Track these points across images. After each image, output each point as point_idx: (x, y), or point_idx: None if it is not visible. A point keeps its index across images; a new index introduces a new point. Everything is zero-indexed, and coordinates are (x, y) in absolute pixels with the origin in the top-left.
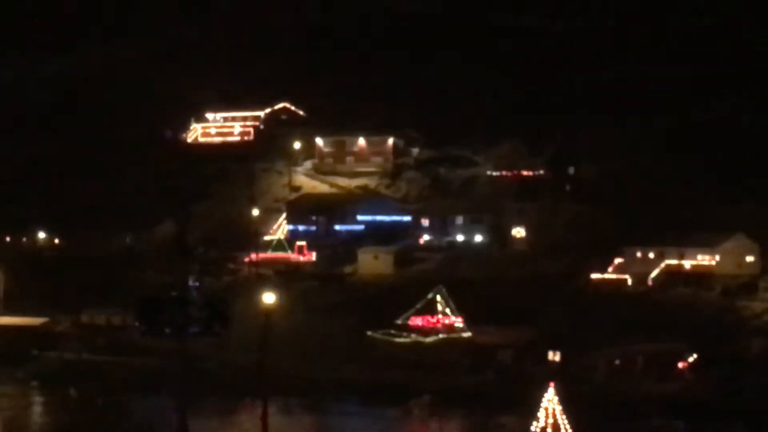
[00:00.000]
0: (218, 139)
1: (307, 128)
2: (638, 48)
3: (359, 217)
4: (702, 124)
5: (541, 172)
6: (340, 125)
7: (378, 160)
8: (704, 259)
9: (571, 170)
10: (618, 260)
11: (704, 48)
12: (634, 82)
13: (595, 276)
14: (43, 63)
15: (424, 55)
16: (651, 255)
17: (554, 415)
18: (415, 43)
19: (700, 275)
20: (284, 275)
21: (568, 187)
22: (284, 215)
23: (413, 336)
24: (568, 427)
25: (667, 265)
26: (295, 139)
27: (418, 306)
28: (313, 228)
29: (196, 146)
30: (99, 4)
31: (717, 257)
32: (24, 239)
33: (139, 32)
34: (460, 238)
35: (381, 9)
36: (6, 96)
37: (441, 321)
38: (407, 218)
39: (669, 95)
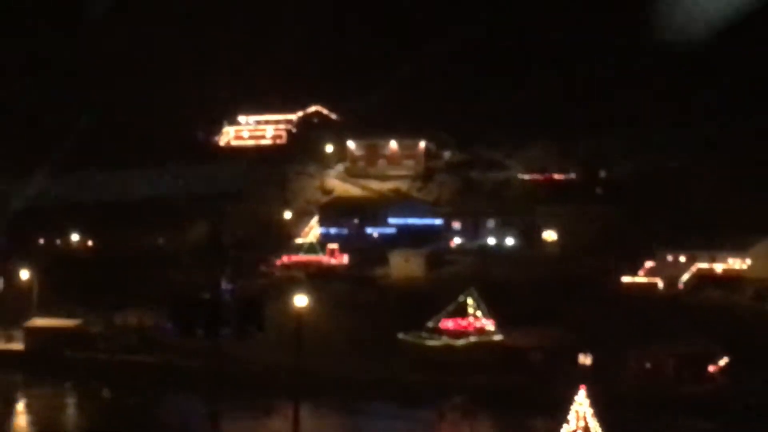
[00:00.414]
0: (251, 142)
1: (339, 131)
2: (668, 49)
3: (391, 220)
4: (734, 126)
5: (573, 174)
6: (372, 128)
7: (410, 163)
8: (735, 263)
9: (603, 173)
10: (649, 263)
11: (733, 50)
12: (663, 84)
13: (625, 279)
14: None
15: (455, 57)
16: (682, 258)
17: (585, 418)
18: (447, 46)
19: (732, 279)
20: (316, 278)
21: (599, 190)
22: (316, 218)
23: (444, 338)
24: (599, 429)
25: (699, 269)
26: (328, 142)
27: (450, 308)
28: (345, 231)
29: (229, 149)
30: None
31: (748, 261)
32: (57, 241)
33: (174, 34)
34: (491, 241)
35: (414, 11)
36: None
37: (472, 324)
38: (438, 221)
39: (700, 97)
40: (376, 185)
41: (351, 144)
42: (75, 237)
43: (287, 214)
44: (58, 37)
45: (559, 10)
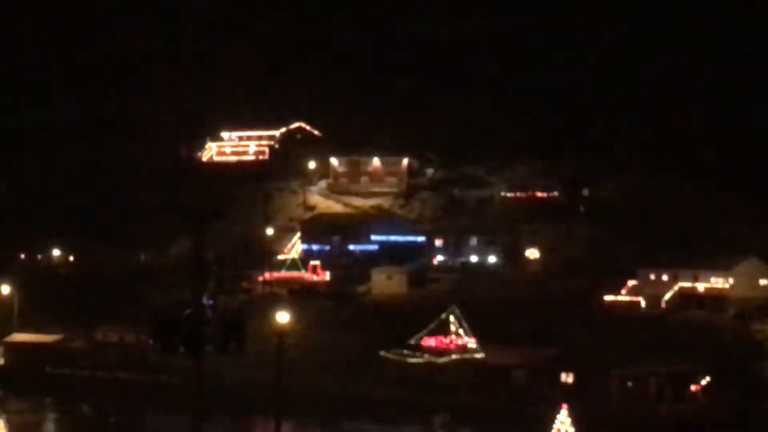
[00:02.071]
0: (233, 159)
1: (322, 148)
2: (651, 68)
3: (373, 237)
4: (716, 146)
5: (556, 193)
6: (354, 145)
7: (392, 180)
8: (718, 282)
9: (585, 191)
10: (631, 282)
11: (720, 68)
12: (647, 104)
13: (608, 298)
14: (59, 79)
15: (438, 76)
16: (665, 277)
17: None
18: (430, 65)
19: (714, 298)
20: (298, 294)
21: (582, 208)
22: (298, 234)
23: (426, 356)
24: None
25: (681, 288)
26: (310, 158)
27: (432, 326)
28: (327, 247)
29: (211, 165)
30: (114, 21)
31: (731, 280)
32: (39, 256)
33: (155, 51)
34: (473, 258)
35: (397, 31)
36: (22, 112)
37: (454, 341)
38: (421, 238)
39: (684, 117)
40: (358, 202)
41: (334, 160)
42: (56, 252)
43: (269, 231)
44: (46, 51)
45: (545, 29)
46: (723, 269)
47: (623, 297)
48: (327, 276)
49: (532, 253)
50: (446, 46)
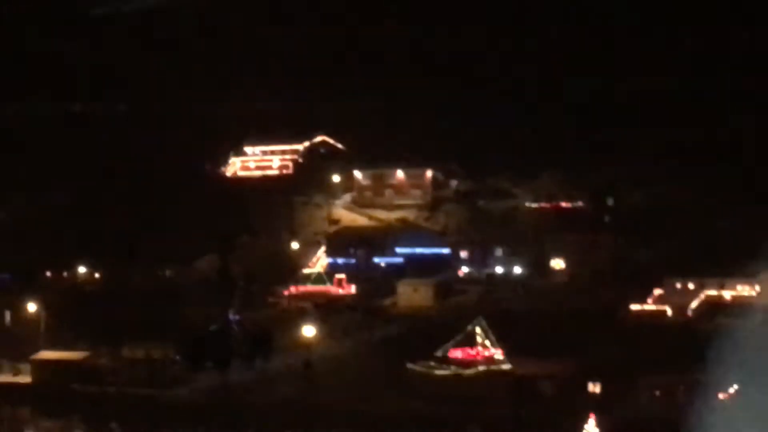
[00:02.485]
0: (257, 173)
1: (346, 161)
2: (680, 76)
3: (398, 250)
4: (742, 154)
5: (581, 203)
6: (378, 158)
7: (417, 192)
8: (744, 290)
9: (611, 201)
10: (658, 291)
11: (747, 73)
12: (672, 112)
13: (634, 307)
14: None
15: (462, 87)
16: (691, 286)
17: None
18: (455, 76)
19: (741, 305)
20: (324, 308)
21: (607, 218)
22: (323, 248)
23: (453, 368)
24: None
25: (707, 296)
26: (334, 172)
27: (458, 338)
28: (353, 261)
29: (236, 180)
30: (135, 34)
31: (757, 287)
32: (65, 274)
33: (179, 66)
34: (499, 270)
35: (420, 43)
36: (45, 128)
37: (481, 353)
38: (446, 250)
39: (711, 124)
40: (383, 215)
41: (358, 174)
42: (82, 269)
43: (294, 245)
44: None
45: (567, 39)
46: (749, 276)
47: (649, 306)
48: (353, 289)
49: (558, 264)
50: (470, 55)
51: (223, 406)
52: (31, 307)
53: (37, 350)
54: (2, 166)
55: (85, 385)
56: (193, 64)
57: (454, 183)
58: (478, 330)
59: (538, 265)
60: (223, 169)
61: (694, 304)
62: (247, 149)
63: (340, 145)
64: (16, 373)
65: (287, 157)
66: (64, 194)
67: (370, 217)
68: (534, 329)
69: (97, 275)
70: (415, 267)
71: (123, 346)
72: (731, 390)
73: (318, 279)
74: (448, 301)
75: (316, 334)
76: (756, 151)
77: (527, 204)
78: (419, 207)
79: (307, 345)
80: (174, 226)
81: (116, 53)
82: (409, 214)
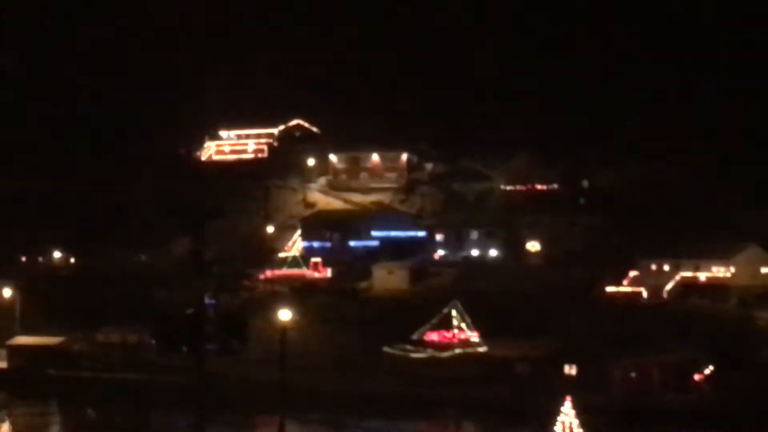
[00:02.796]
0: (232, 157)
1: (320, 145)
2: (651, 54)
3: (374, 233)
4: (714, 134)
5: (555, 185)
6: (353, 141)
7: (392, 175)
8: (719, 271)
9: (585, 183)
10: (633, 273)
11: (719, 52)
12: (644, 92)
13: (610, 289)
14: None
15: (435, 70)
16: (666, 267)
17: (571, 428)
18: (427, 58)
19: (716, 287)
20: (300, 292)
21: (582, 200)
22: (299, 232)
23: (429, 351)
24: None
25: (682, 277)
26: (309, 155)
27: (434, 321)
28: (328, 244)
29: (211, 164)
30: (112, 19)
31: (732, 269)
32: (40, 258)
33: (153, 49)
34: (474, 252)
35: (394, 26)
36: (19, 113)
37: (457, 335)
38: (422, 233)
39: (682, 103)
40: (358, 198)
41: (333, 157)
42: (57, 254)
43: (270, 229)
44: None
45: (542, 21)
46: (724, 258)
47: (625, 288)
48: (328, 273)
49: (533, 246)
50: (443, 39)
51: (198, 389)
52: (6, 292)
53: (12, 336)
54: None
55: (61, 370)
56: (168, 47)
57: (428, 166)
58: (453, 313)
59: (513, 248)
60: (198, 153)
61: (669, 285)
62: (222, 133)
63: (315, 129)
64: None
65: (262, 141)
66: (38, 178)
67: (346, 201)
68: (510, 312)
69: (72, 260)
70: (391, 250)
71: (98, 331)
72: (706, 371)
73: (294, 263)
74: (423, 283)
75: (292, 318)
76: (732, 132)
77: (502, 186)
78: (394, 190)
79: (283, 328)
80: (148, 210)
81: (91, 35)
82: (384, 198)
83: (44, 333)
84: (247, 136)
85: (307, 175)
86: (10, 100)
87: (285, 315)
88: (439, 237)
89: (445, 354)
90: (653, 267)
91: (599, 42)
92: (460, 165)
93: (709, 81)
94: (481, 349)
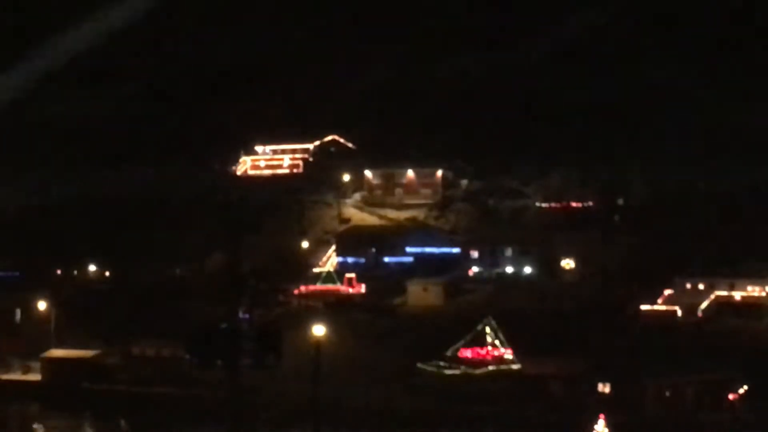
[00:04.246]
0: (268, 172)
1: (356, 160)
2: (693, 72)
3: (408, 249)
4: (752, 151)
5: (590, 202)
6: (389, 157)
7: (427, 191)
8: (755, 290)
9: (620, 200)
10: (668, 291)
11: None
12: (679, 109)
13: (644, 307)
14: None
15: (473, 86)
16: (701, 286)
17: None
18: (463, 75)
19: (751, 306)
20: (334, 307)
21: (617, 218)
22: (334, 247)
23: (463, 368)
24: None
25: (717, 296)
26: (345, 171)
27: (468, 338)
28: (363, 260)
29: (246, 179)
30: (149, 34)
31: (767, 288)
32: (75, 272)
33: (189, 64)
34: (509, 269)
35: (432, 41)
36: (58, 130)
37: (490, 352)
38: (456, 250)
39: (718, 121)
40: (393, 214)
41: (368, 173)
42: (92, 267)
43: (305, 244)
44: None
45: (576, 37)
46: (759, 277)
47: (659, 306)
48: (363, 288)
49: (568, 263)
50: (477, 56)
51: (232, 404)
52: (41, 305)
53: (47, 348)
54: (10, 162)
55: (95, 384)
56: (204, 63)
57: (464, 182)
58: (487, 330)
59: (548, 265)
60: (233, 168)
61: (704, 304)
62: (258, 148)
63: (350, 145)
64: (26, 371)
65: (298, 156)
66: (75, 191)
67: (381, 217)
68: (544, 329)
69: (107, 273)
70: (425, 266)
71: (133, 345)
72: (741, 390)
73: (328, 278)
74: (457, 300)
75: (326, 333)
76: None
77: (537, 203)
78: (429, 206)
79: (317, 343)
80: (184, 224)
81: (128, 51)
82: (419, 214)
83: (79, 346)
84: (283, 152)
85: (342, 191)
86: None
87: (319, 330)
88: (473, 254)
89: (479, 371)
90: (688, 285)
91: (638, 59)
92: (495, 182)
93: (744, 93)
94: (515, 367)
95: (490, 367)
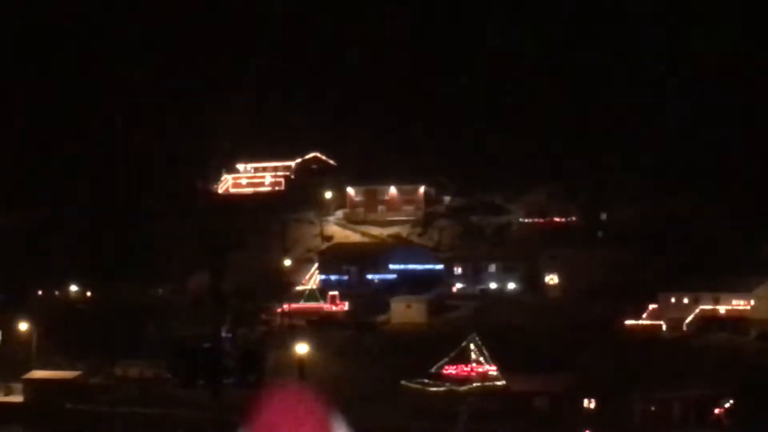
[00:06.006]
0: (249, 190)
1: (338, 177)
2: (670, 88)
3: (391, 266)
4: (735, 167)
5: (573, 218)
6: (371, 174)
7: (409, 208)
8: (739, 304)
9: (603, 216)
10: (652, 306)
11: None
12: (663, 126)
13: (629, 322)
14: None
15: (455, 102)
16: (685, 300)
17: None
18: (445, 91)
19: (736, 320)
20: (317, 325)
21: (600, 233)
22: (316, 265)
23: (447, 385)
24: None
25: (702, 311)
26: (327, 188)
27: (452, 354)
28: (346, 277)
29: (228, 197)
30: (130, 54)
31: (752, 301)
32: (56, 292)
33: (168, 83)
34: (493, 285)
35: (413, 58)
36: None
37: (475, 369)
38: (440, 266)
39: (702, 137)
40: (376, 231)
41: (350, 190)
42: (74, 288)
43: (287, 262)
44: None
45: (558, 54)
46: (744, 291)
47: (644, 321)
48: (346, 306)
49: (552, 279)
50: (461, 72)
51: (215, 424)
52: (23, 326)
53: (29, 369)
54: None
55: (78, 404)
56: (183, 80)
57: (446, 199)
58: (472, 346)
59: (531, 281)
60: (215, 186)
61: (689, 319)
62: (239, 166)
63: (332, 162)
64: (8, 392)
65: (279, 173)
66: (55, 211)
67: (363, 234)
68: (528, 345)
69: (88, 293)
70: (408, 283)
71: (115, 365)
72: (726, 405)
73: (311, 296)
74: (441, 317)
75: (309, 351)
76: (752, 165)
77: (520, 219)
78: (412, 223)
79: (300, 362)
80: (165, 243)
81: (109, 68)
82: (402, 231)
83: (61, 367)
84: (264, 169)
85: (324, 208)
86: (25, 134)
87: (302, 348)
88: (457, 270)
89: (463, 388)
90: (673, 300)
91: (620, 75)
92: (478, 198)
93: (729, 111)
94: (500, 383)
95: (475, 384)
